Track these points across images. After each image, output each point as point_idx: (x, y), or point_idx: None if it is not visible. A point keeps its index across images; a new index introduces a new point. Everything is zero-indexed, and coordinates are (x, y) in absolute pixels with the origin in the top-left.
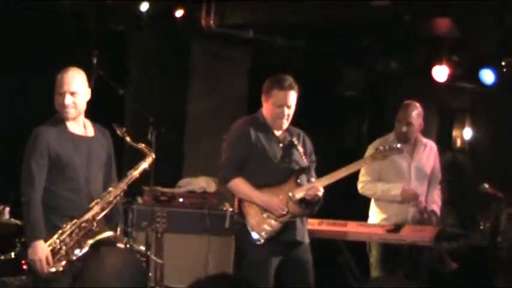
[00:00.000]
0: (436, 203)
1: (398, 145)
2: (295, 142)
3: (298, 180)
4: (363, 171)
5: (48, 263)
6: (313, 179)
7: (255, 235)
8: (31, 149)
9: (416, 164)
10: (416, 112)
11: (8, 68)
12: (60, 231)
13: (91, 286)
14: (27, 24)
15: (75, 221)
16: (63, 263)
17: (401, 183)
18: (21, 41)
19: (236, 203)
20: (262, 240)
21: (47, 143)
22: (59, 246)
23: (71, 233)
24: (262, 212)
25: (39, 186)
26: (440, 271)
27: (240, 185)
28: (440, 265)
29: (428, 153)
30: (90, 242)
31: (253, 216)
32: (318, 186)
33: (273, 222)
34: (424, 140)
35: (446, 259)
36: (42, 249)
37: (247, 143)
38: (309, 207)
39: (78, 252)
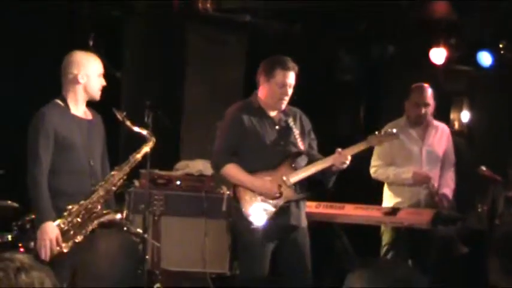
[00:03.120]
0: (449, 186)
1: (394, 130)
2: (291, 124)
3: (293, 165)
4: (375, 156)
5: (58, 244)
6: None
7: (249, 219)
8: (37, 130)
9: (428, 148)
10: (431, 92)
11: (3, 55)
12: (67, 213)
13: (84, 270)
14: (22, 10)
15: (82, 202)
16: (70, 243)
17: (413, 167)
18: (16, 27)
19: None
20: (257, 225)
21: (53, 124)
22: (66, 228)
23: (78, 214)
24: (257, 197)
25: (46, 169)
26: (449, 255)
27: (232, 171)
28: (452, 249)
29: (440, 136)
30: (96, 222)
31: (247, 201)
32: (346, 154)
33: (267, 206)
34: (435, 122)
35: (457, 243)
36: (52, 230)
37: (240, 129)
38: (304, 191)
39: (84, 233)
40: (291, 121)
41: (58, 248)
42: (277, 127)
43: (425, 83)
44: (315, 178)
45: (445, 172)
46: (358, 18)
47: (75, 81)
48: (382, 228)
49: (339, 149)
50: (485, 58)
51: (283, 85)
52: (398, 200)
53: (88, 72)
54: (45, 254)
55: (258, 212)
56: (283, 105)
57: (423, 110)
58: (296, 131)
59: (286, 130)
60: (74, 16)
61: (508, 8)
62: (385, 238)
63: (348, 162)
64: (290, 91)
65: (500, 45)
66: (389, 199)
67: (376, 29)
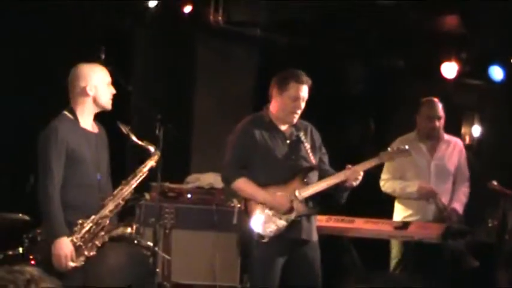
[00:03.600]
0: (460, 201)
1: (406, 147)
2: (302, 138)
3: (305, 180)
4: (384, 169)
5: (72, 259)
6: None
7: (260, 233)
8: (49, 144)
9: (437, 162)
10: (441, 106)
11: (13, 68)
12: (79, 228)
13: (94, 283)
14: (32, 23)
15: (93, 217)
16: (82, 258)
17: (419, 181)
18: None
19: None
20: (268, 239)
21: (65, 138)
22: (79, 243)
23: (89, 229)
24: (268, 211)
25: (58, 183)
26: (460, 269)
27: (242, 186)
28: (462, 263)
29: (452, 151)
30: (107, 237)
31: (258, 215)
32: (358, 170)
33: (278, 220)
34: (447, 136)
35: (467, 256)
36: (66, 245)
37: (250, 143)
38: (316, 205)
39: (96, 247)
40: (302, 135)
41: (71, 264)
42: (288, 141)
43: (435, 97)
44: (327, 193)
45: (458, 187)
46: (368, 31)
47: (84, 93)
48: (392, 241)
49: (349, 165)
50: (496, 72)
51: (296, 98)
52: (408, 213)
53: (96, 83)
54: (62, 268)
55: (269, 226)
56: (295, 119)
57: (437, 123)
58: (307, 145)
59: (297, 144)
60: (84, 28)
61: None
62: (394, 252)
63: (360, 178)
64: (303, 105)
65: None
66: (400, 212)
67: (386, 42)
